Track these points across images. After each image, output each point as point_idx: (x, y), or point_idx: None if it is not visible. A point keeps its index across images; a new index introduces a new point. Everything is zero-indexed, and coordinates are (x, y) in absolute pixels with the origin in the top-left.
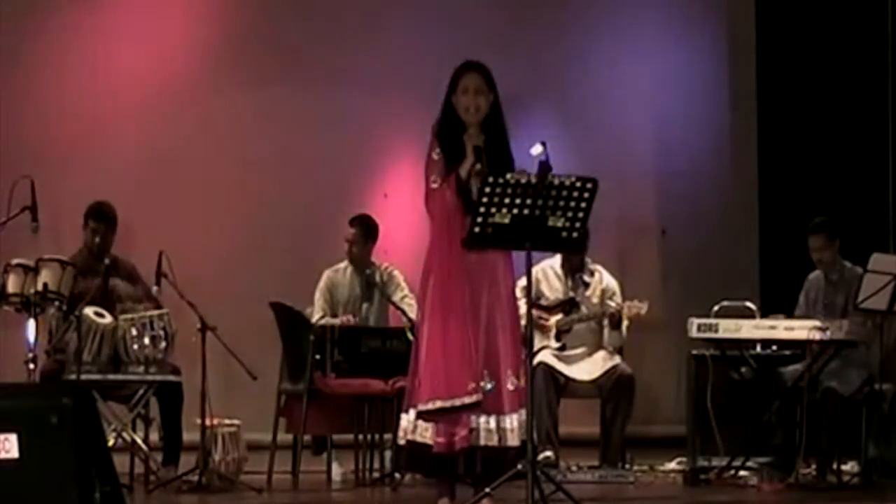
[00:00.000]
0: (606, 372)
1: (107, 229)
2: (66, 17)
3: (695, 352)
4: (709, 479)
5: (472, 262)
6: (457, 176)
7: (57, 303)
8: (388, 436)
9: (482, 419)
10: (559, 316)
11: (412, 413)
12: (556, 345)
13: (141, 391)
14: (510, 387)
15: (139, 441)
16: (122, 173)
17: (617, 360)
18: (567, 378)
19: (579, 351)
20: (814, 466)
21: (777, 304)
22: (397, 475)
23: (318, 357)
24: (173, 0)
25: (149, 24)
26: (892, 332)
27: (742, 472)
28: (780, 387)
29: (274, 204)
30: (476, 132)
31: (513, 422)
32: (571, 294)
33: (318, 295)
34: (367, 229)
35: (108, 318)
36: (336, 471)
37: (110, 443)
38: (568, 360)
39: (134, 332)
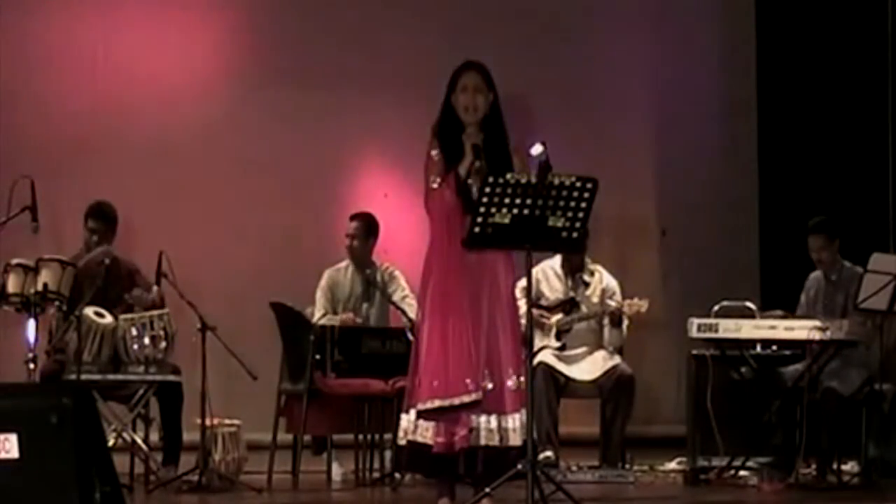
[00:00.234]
0: (606, 372)
1: (106, 229)
2: (66, 17)
3: (695, 352)
4: (709, 479)
5: (472, 261)
6: (456, 175)
7: (57, 303)
8: (388, 436)
9: (483, 419)
10: (559, 316)
11: (412, 413)
12: (557, 344)
13: (141, 391)
14: (511, 386)
15: (139, 441)
16: (122, 173)
17: (617, 359)
18: (567, 378)
19: (579, 351)
20: (814, 466)
21: (777, 304)
22: (397, 475)
23: (318, 357)
24: (174, 1)
25: (149, 25)
26: (892, 332)
27: (742, 472)
28: (781, 387)
29: (274, 204)
30: (475, 131)
31: (514, 421)
32: (572, 294)
33: (319, 293)
34: (368, 225)
35: (108, 318)
36: (336, 471)
37: (110, 443)
38: (568, 360)
39: (134, 332)
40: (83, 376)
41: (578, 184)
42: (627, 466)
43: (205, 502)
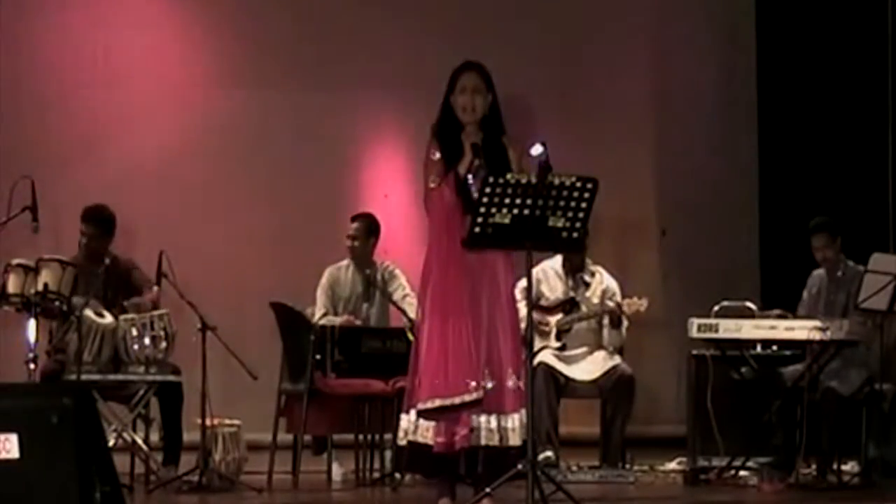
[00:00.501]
0: (607, 372)
1: (101, 233)
2: (66, 17)
3: (695, 352)
4: (709, 479)
5: (472, 261)
6: (455, 175)
7: (57, 303)
8: (388, 436)
9: (483, 418)
10: (559, 316)
11: (413, 413)
12: (557, 344)
13: (141, 391)
14: (511, 386)
15: (139, 441)
16: (122, 173)
17: (617, 360)
18: (567, 378)
19: (579, 351)
20: (814, 466)
21: (777, 304)
22: (397, 475)
23: (318, 357)
24: (174, 2)
25: (149, 25)
26: (892, 331)
27: (742, 472)
28: (781, 387)
29: (274, 204)
30: (474, 131)
31: (514, 421)
32: (572, 294)
33: (319, 292)
34: (369, 226)
35: (108, 318)
36: (336, 471)
37: (110, 443)
38: (568, 360)
39: (134, 332)
40: (83, 376)
41: (578, 184)
42: (627, 466)
43: (205, 502)
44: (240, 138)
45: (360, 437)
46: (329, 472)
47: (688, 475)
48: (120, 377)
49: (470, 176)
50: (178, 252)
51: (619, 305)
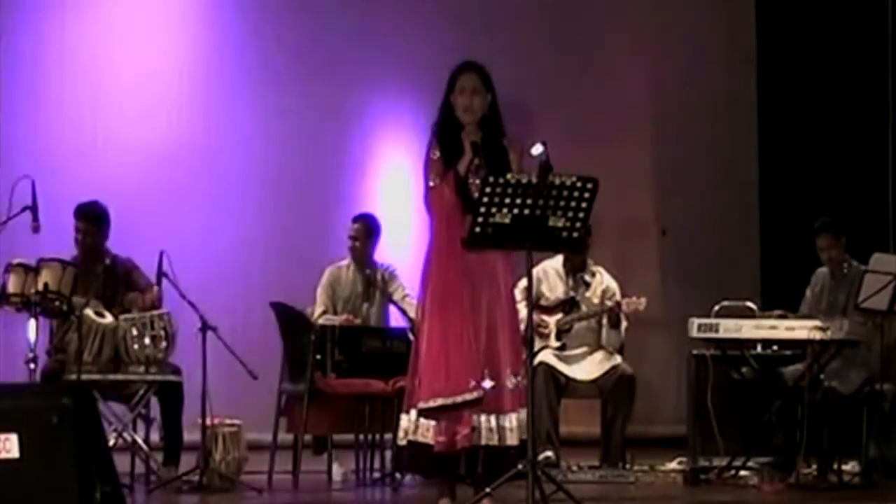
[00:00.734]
0: (607, 372)
1: (95, 229)
2: (67, 16)
3: (695, 352)
4: (709, 479)
5: (472, 260)
6: (455, 173)
7: (57, 303)
8: (388, 436)
9: (482, 418)
10: (559, 316)
11: (413, 413)
12: (557, 344)
13: (141, 391)
14: (510, 386)
15: (139, 441)
16: (122, 173)
17: (617, 359)
18: (567, 378)
19: (580, 351)
20: (814, 466)
21: (778, 304)
22: (397, 475)
23: (318, 357)
24: (175, 3)
25: (149, 25)
26: (892, 331)
27: (743, 472)
28: (781, 387)
29: (275, 204)
30: (474, 130)
31: (512, 421)
32: (572, 294)
33: (319, 290)
34: (370, 226)
35: (108, 318)
36: (336, 471)
37: (111, 443)
38: (568, 360)
39: (134, 331)
40: (83, 376)
41: (579, 184)
42: (628, 466)
43: (205, 502)
44: (240, 138)
45: (361, 437)
46: (329, 472)
47: (688, 475)
48: (120, 377)
49: (470, 179)
50: (179, 252)
51: (618, 304)
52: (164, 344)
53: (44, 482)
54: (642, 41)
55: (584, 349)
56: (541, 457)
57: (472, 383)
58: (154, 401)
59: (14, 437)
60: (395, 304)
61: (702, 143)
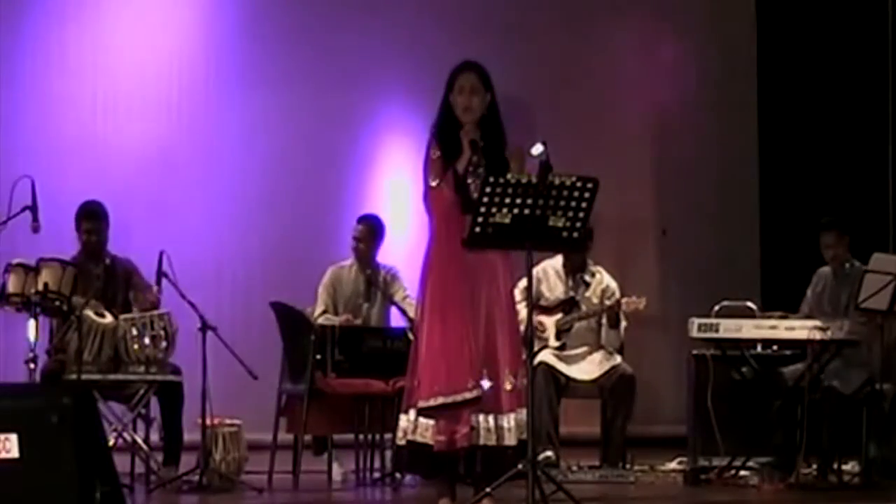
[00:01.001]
0: (607, 372)
1: (103, 227)
2: (67, 16)
3: (695, 352)
4: (709, 478)
5: (471, 260)
6: (454, 172)
7: (57, 303)
8: (388, 436)
9: (481, 418)
10: (559, 315)
11: (412, 413)
12: (556, 344)
13: (141, 391)
14: (508, 386)
15: (139, 441)
16: (122, 173)
17: (617, 359)
18: (567, 378)
19: (580, 350)
20: (814, 466)
21: (778, 303)
22: (398, 475)
23: (318, 357)
24: (175, 3)
25: (149, 24)
26: (892, 331)
27: (743, 472)
28: (781, 387)
29: (275, 203)
30: (473, 129)
31: (510, 421)
32: (572, 294)
33: (321, 290)
34: (374, 228)
35: (108, 318)
36: (336, 471)
37: (111, 443)
38: (568, 360)
39: (134, 331)
40: (83, 376)
41: (579, 184)
42: (628, 466)
43: (205, 502)
44: (241, 139)
45: (361, 436)
46: (329, 472)
47: (688, 475)
48: (120, 377)
49: (469, 179)
50: (179, 252)
51: (618, 303)
52: (164, 344)
53: (44, 482)
54: (642, 41)
55: (584, 349)
56: (541, 457)
57: (471, 383)
58: (154, 401)
59: (14, 437)
60: (395, 304)
61: (702, 143)
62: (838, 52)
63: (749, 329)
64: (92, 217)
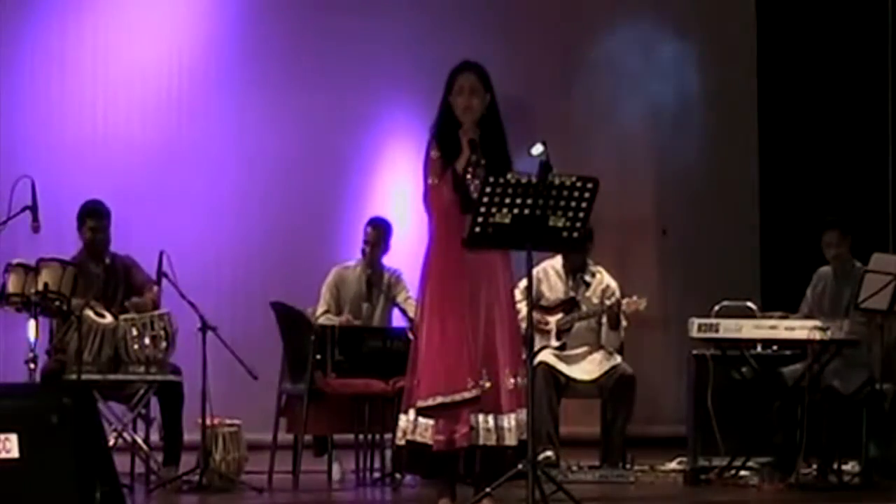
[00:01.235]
0: (607, 372)
1: (106, 225)
2: (67, 16)
3: (695, 352)
4: (709, 478)
5: (471, 260)
6: (453, 172)
7: (57, 303)
8: (388, 436)
9: (480, 418)
10: (559, 315)
11: (411, 413)
12: (557, 344)
13: (141, 391)
14: (508, 386)
15: (139, 441)
16: (122, 173)
17: (617, 359)
18: (567, 378)
19: (580, 350)
20: (814, 466)
21: (778, 303)
22: (398, 475)
23: (318, 357)
24: (175, 4)
25: (150, 24)
26: (892, 331)
27: (743, 472)
28: (781, 387)
29: (275, 204)
30: (472, 128)
31: (510, 421)
32: (572, 294)
33: (324, 289)
34: (385, 233)
35: (108, 318)
36: (336, 470)
37: (111, 443)
38: (568, 360)
39: (134, 332)
40: (83, 376)
41: (579, 184)
42: (628, 466)
43: (205, 502)
44: (241, 139)
45: (361, 436)
46: (329, 472)
47: (688, 475)
48: (120, 377)
49: (468, 177)
50: (178, 252)
51: (617, 302)
52: (163, 344)
53: (44, 482)
54: (642, 41)
55: (584, 349)
56: (541, 457)
57: (471, 382)
58: (154, 401)
59: (14, 437)
60: (397, 306)
61: (702, 143)
62: (838, 53)
63: (749, 329)
64: (96, 215)
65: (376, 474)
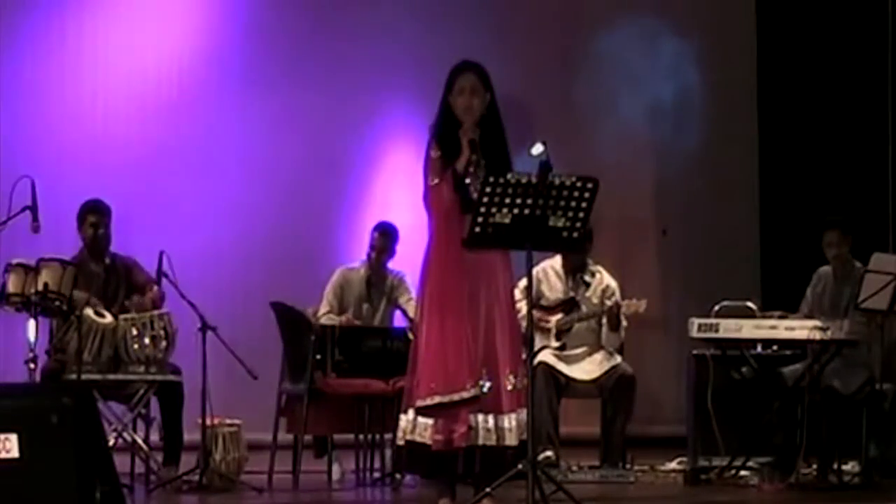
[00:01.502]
0: (607, 372)
1: (107, 221)
2: (67, 16)
3: (695, 352)
4: (709, 479)
5: (471, 259)
6: (453, 171)
7: (57, 302)
8: (388, 436)
9: (480, 418)
10: (559, 316)
11: (411, 413)
12: (556, 344)
13: (141, 391)
14: (508, 386)
15: (139, 441)
16: (122, 173)
17: (617, 359)
18: (567, 378)
19: (580, 351)
20: (814, 466)
21: (778, 303)
22: (397, 475)
23: (318, 357)
24: (175, 4)
25: (150, 24)
26: (892, 331)
27: (743, 472)
28: (781, 387)
29: (276, 204)
30: (472, 128)
31: (511, 421)
32: (572, 294)
33: (328, 290)
34: (392, 236)
35: (108, 318)
36: (336, 470)
37: (111, 443)
38: (568, 360)
39: (134, 331)
40: (83, 376)
41: (579, 184)
42: (628, 466)
43: (205, 502)
44: (241, 140)
45: (361, 436)
46: (329, 472)
47: (688, 475)
48: (120, 377)
49: (468, 179)
50: (179, 252)
51: (617, 304)
52: (163, 344)
53: (44, 482)
54: (642, 40)
55: (584, 349)
56: (541, 457)
57: (470, 382)
58: (154, 401)
59: (14, 437)
60: (399, 307)
61: (702, 144)
62: (838, 52)
63: (749, 329)
64: (97, 211)
65: (376, 474)
